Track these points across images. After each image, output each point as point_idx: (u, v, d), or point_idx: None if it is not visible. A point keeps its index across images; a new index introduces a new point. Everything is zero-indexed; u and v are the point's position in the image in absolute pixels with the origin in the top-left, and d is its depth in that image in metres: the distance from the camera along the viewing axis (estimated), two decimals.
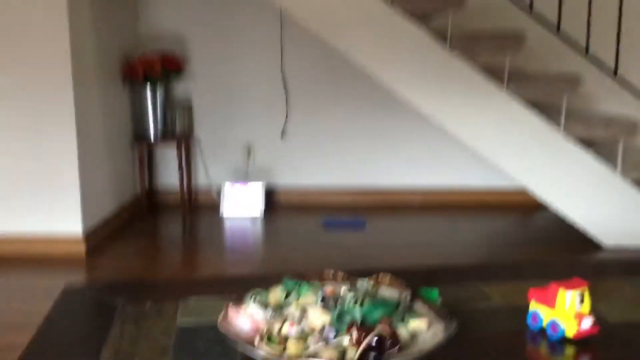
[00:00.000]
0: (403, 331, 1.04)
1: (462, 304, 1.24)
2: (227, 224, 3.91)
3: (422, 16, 3.45)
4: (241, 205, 4.07)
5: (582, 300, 1.09)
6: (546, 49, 3.85)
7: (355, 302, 1.07)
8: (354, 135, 4.35)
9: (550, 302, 1.10)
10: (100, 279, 3.01)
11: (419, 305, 1.13)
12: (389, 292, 1.14)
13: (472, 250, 3.47)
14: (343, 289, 1.12)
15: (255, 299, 1.12)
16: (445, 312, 1.11)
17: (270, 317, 1.07)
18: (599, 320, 1.10)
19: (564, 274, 1.17)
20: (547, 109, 3.47)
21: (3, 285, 2.97)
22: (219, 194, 4.19)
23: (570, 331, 1.08)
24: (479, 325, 1.16)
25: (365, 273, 1.23)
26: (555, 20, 3.49)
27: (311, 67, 4.26)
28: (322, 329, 1.02)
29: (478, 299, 1.28)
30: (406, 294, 1.14)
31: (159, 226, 3.96)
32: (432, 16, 3.55)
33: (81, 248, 3.28)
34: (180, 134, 4.19)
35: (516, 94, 3.33)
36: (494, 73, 3.33)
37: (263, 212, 4.05)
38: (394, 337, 0.99)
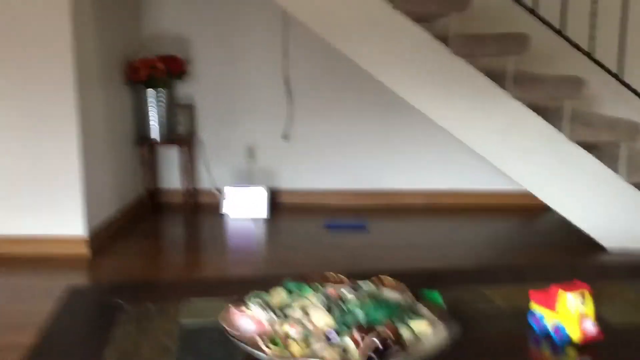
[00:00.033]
0: (406, 333, 1.04)
1: (464, 306, 1.24)
2: (230, 225, 3.91)
3: (426, 19, 3.45)
4: (244, 207, 4.07)
5: (582, 302, 1.09)
6: (550, 51, 3.84)
7: (358, 304, 1.07)
8: (357, 138, 4.35)
9: (550, 304, 1.11)
10: (103, 279, 3.02)
11: (421, 307, 1.14)
12: (391, 293, 1.14)
13: (475, 253, 3.46)
14: (346, 290, 1.13)
15: (257, 300, 1.12)
16: (447, 314, 1.11)
17: (272, 318, 1.07)
18: (601, 323, 1.10)
19: (566, 277, 1.17)
20: (551, 112, 3.47)
21: (5, 286, 2.97)
22: (221, 195, 4.20)
23: (574, 334, 1.08)
24: (480, 327, 1.17)
25: (368, 275, 1.23)
26: (558, 23, 3.49)
27: (314, 69, 4.27)
28: (325, 330, 1.02)
29: (479, 301, 1.28)
30: (409, 296, 1.14)
31: (161, 227, 3.96)
32: (436, 19, 3.55)
33: (84, 249, 3.29)
34: (183, 135, 4.20)
35: (521, 97, 3.32)
36: (497, 76, 3.32)
37: (267, 213, 4.06)
38: (397, 338, 0.99)
